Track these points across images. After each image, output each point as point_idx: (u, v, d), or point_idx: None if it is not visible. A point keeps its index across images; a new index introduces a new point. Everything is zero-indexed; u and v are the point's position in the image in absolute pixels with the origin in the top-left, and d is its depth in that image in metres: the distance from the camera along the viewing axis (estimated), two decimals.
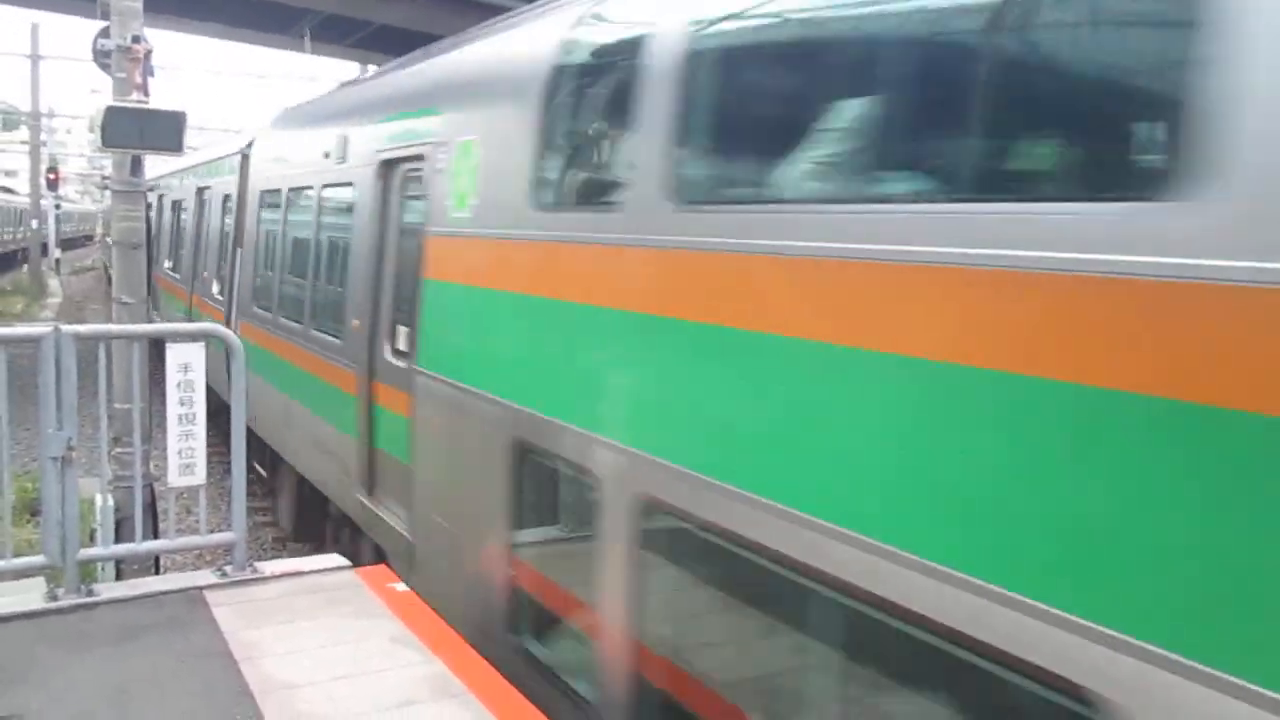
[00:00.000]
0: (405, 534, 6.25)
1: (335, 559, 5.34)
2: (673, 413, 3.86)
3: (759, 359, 3.40)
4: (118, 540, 6.08)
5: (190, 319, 14.53)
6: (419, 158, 6.24)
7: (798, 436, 3.24)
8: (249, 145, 11.81)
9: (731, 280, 3.59)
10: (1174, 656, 2.15)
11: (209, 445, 5.17)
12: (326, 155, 8.19)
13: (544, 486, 5.07)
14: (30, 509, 9.48)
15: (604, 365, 4.32)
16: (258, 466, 10.58)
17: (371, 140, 7.23)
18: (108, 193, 12.66)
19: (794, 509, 3.17)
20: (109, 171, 10.04)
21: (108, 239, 18.75)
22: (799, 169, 3.54)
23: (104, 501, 5.71)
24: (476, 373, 5.34)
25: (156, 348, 6.49)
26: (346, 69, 32.16)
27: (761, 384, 3.41)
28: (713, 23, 3.99)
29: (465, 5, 20.39)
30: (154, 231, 19.50)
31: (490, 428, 5.10)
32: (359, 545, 7.34)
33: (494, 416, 5.06)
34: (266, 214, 10.64)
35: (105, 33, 7.04)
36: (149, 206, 19.95)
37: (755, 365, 3.43)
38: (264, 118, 12.82)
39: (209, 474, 5.23)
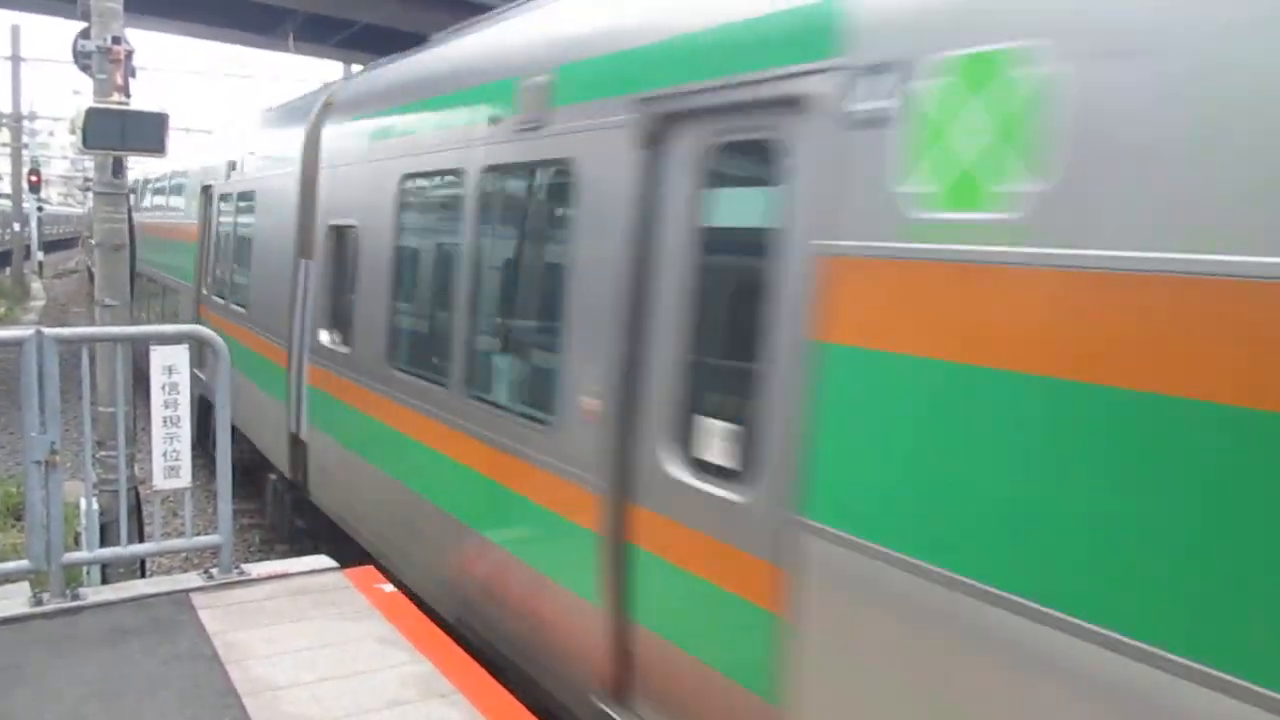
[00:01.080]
0: None
1: (323, 560, 5.32)
2: None
3: None
4: (103, 544, 6.04)
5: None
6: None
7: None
8: None
9: None
10: None
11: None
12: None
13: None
14: (14, 513, 9.43)
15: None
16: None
17: None
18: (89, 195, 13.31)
19: None
20: (92, 173, 10.08)
21: (89, 240, 18.51)
22: None
23: (89, 505, 5.67)
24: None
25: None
26: (331, 69, 32.05)
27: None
28: None
29: (452, 3, 20.30)
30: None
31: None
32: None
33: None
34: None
35: (85, 34, 6.97)
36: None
37: None
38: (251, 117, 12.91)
39: (194, 476, 5.21)
